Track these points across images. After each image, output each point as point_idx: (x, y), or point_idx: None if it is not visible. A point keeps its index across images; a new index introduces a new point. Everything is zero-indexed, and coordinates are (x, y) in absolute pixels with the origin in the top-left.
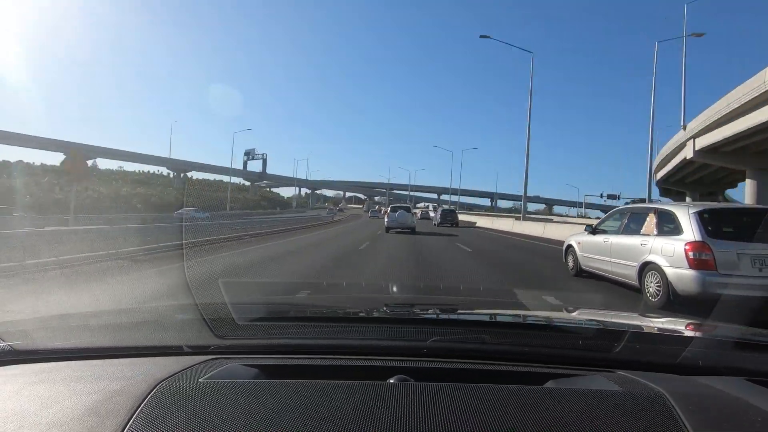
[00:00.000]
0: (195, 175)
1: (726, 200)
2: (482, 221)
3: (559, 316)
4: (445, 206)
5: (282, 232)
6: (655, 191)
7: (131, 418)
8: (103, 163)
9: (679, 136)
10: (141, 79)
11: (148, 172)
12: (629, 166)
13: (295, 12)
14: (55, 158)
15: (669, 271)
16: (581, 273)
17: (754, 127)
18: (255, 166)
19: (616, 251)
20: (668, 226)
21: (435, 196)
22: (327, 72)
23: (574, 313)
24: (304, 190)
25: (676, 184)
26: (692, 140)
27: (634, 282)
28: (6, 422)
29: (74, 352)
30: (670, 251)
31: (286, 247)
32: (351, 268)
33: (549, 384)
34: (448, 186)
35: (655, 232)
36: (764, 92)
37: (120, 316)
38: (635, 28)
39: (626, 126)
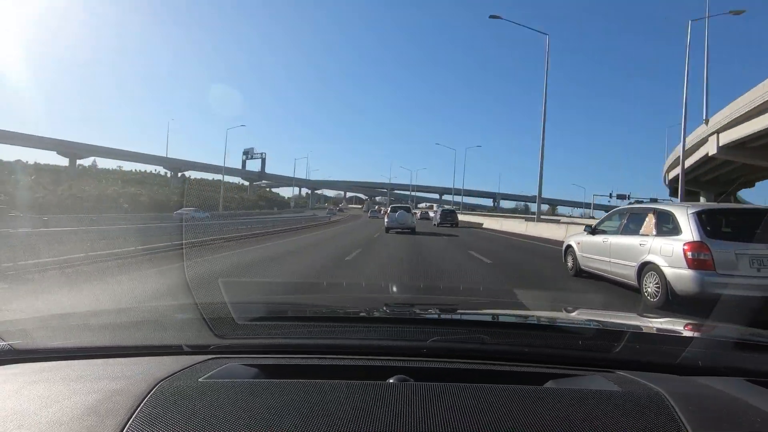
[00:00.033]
0: (193, 174)
1: (738, 202)
2: (489, 222)
3: (559, 316)
4: (446, 206)
5: (263, 235)
6: (663, 191)
7: (131, 417)
8: (103, 163)
9: (701, 131)
10: (140, 79)
11: (146, 171)
12: (639, 166)
13: (295, 12)
14: (50, 157)
15: (668, 271)
16: (580, 273)
17: None
18: (254, 165)
19: (615, 251)
20: (667, 226)
21: (437, 196)
22: (327, 72)
23: (573, 314)
24: (304, 190)
25: (689, 183)
26: (716, 135)
27: (633, 282)
28: (6, 421)
29: (74, 351)
30: (668, 251)
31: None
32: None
33: (549, 384)
34: (450, 186)
35: (654, 233)
36: None
37: (120, 316)
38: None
39: (635, 126)
